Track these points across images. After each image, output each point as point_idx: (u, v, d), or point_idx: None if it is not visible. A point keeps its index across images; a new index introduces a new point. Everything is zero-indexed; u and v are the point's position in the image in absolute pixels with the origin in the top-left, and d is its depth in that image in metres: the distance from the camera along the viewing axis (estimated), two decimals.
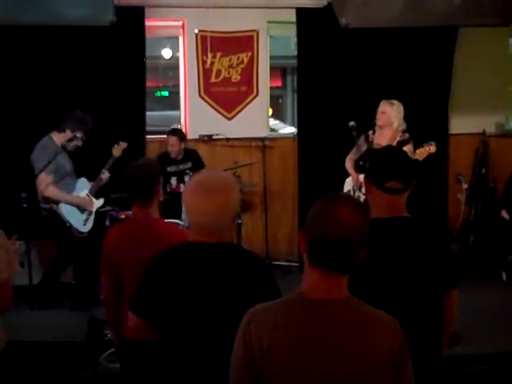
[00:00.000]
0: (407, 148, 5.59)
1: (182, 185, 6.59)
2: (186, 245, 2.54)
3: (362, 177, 5.74)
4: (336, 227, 1.88)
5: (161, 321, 2.50)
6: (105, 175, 5.74)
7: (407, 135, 5.86)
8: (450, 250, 2.68)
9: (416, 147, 5.69)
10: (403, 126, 5.89)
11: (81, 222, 5.63)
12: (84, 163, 5.90)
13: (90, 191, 5.73)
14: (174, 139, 6.53)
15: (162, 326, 2.51)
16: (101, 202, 5.81)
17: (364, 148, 5.86)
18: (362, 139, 5.90)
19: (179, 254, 2.53)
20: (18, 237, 2.94)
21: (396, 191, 2.57)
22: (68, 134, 5.54)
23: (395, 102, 5.90)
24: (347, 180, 6.15)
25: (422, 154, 5.55)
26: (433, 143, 5.58)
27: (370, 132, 5.95)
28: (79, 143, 5.60)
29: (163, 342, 2.53)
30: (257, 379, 1.91)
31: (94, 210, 5.74)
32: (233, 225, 2.55)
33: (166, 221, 3.72)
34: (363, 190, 5.75)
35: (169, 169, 6.48)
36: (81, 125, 5.56)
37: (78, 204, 5.61)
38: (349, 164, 6.10)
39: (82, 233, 5.64)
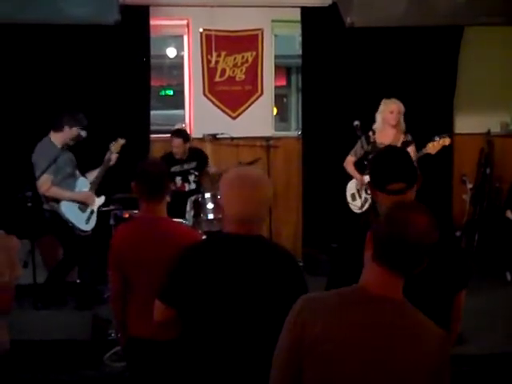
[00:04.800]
0: (410, 149, 5.59)
1: (186, 184, 6.58)
2: (217, 236, 2.58)
3: (366, 177, 5.74)
4: (410, 228, 1.93)
5: (188, 310, 2.49)
6: (113, 155, 5.77)
7: (410, 136, 5.86)
8: (461, 251, 2.67)
9: (420, 147, 5.68)
10: (404, 127, 5.90)
11: (83, 221, 5.63)
12: (88, 162, 5.91)
13: (92, 185, 5.74)
14: (178, 141, 6.50)
15: (189, 316, 2.51)
16: (102, 199, 5.82)
17: (366, 148, 5.85)
18: (362, 140, 5.89)
19: (212, 245, 2.57)
20: (16, 235, 2.94)
21: (398, 192, 2.56)
22: (67, 130, 5.55)
23: (396, 100, 5.90)
24: (350, 183, 6.13)
25: (435, 147, 5.53)
26: (446, 135, 5.57)
27: (370, 133, 5.94)
28: (83, 134, 5.63)
29: (186, 333, 2.53)
30: (300, 371, 1.93)
31: (95, 207, 5.76)
32: (263, 219, 2.59)
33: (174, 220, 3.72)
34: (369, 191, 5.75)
35: (173, 169, 6.44)
36: (76, 119, 5.59)
37: (81, 199, 5.62)
38: (350, 166, 6.09)
39: (85, 231, 5.64)
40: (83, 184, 5.76)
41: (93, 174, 5.83)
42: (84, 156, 5.88)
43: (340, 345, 1.90)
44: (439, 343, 1.96)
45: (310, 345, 1.92)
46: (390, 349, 1.90)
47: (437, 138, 5.58)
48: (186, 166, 6.59)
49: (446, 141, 5.57)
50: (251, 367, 2.38)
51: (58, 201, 5.51)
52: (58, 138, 5.56)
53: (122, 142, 5.90)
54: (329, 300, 2.00)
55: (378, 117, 5.93)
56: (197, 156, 6.66)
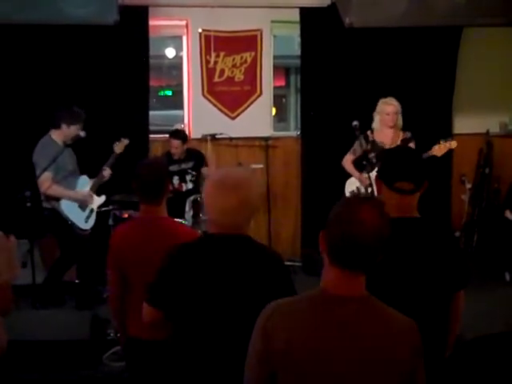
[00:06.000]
0: (411, 146, 5.60)
1: (183, 184, 6.59)
2: (204, 237, 2.56)
3: (365, 175, 5.73)
4: (359, 228, 1.90)
5: (176, 312, 2.50)
6: (106, 172, 5.77)
7: (409, 133, 5.86)
8: (460, 252, 2.66)
9: (420, 147, 5.68)
10: (401, 124, 5.91)
11: (82, 220, 5.65)
12: (87, 162, 5.91)
13: (91, 188, 5.75)
14: (177, 142, 6.51)
15: (176, 318, 2.52)
16: (102, 199, 5.83)
17: (365, 147, 5.84)
18: (360, 139, 5.87)
19: (196, 246, 2.56)
20: (15, 235, 2.92)
21: (406, 192, 2.56)
22: (64, 128, 5.54)
23: (392, 99, 5.90)
24: (350, 180, 6.14)
25: (441, 149, 5.56)
26: (451, 139, 5.61)
27: (369, 132, 5.95)
28: (82, 134, 5.59)
29: (175, 335, 2.53)
30: (273, 374, 1.93)
31: (95, 207, 5.77)
32: (251, 220, 2.57)
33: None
34: (369, 189, 5.75)
35: (171, 168, 6.45)
36: (74, 117, 5.57)
37: (80, 199, 5.63)
38: (349, 165, 6.08)
39: (84, 230, 5.65)
40: (84, 182, 5.77)
41: (90, 183, 5.81)
42: (83, 156, 5.88)
43: (309, 348, 1.89)
44: (409, 333, 1.95)
45: (280, 350, 1.91)
46: (360, 348, 1.89)
47: (442, 141, 5.59)
48: (183, 166, 6.60)
49: (453, 144, 5.60)
50: (240, 368, 2.38)
51: (58, 199, 5.52)
52: (57, 136, 5.56)
53: (125, 142, 5.91)
54: (295, 305, 1.98)
55: (376, 117, 5.94)
56: (194, 156, 6.67)
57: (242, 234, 2.51)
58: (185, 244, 2.60)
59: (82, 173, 5.82)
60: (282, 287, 2.39)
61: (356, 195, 2.07)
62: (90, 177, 5.85)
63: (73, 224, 5.57)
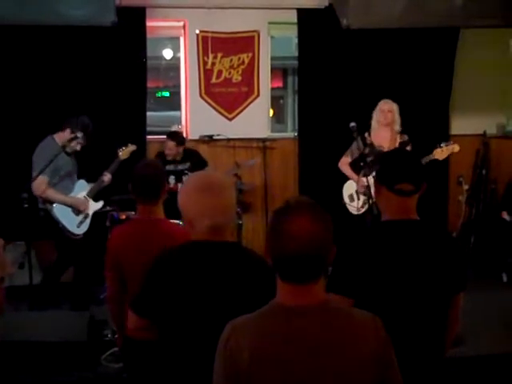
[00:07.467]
0: (408, 149, 5.60)
1: (179, 184, 6.56)
2: (190, 244, 2.53)
3: (364, 179, 5.73)
4: (290, 244, 1.85)
5: (161, 321, 2.49)
6: (107, 177, 5.70)
7: (406, 136, 5.87)
8: (460, 254, 2.66)
9: (417, 148, 5.69)
10: (399, 128, 5.91)
11: (74, 224, 5.55)
12: (84, 164, 5.89)
13: (89, 193, 5.69)
14: (171, 144, 6.48)
15: (162, 326, 2.50)
16: (99, 204, 5.75)
17: (363, 149, 5.84)
18: (358, 141, 5.86)
19: (182, 253, 2.52)
20: (12, 237, 2.92)
21: (406, 193, 2.56)
22: (67, 133, 5.47)
23: (388, 100, 5.93)
24: (347, 184, 6.12)
25: (443, 153, 5.56)
26: (453, 142, 5.62)
27: (366, 134, 5.95)
28: (78, 147, 5.50)
29: (163, 341, 2.52)
30: None
31: (90, 212, 5.69)
32: (233, 223, 2.56)
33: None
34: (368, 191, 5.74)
35: (167, 167, 6.41)
36: (82, 127, 5.49)
37: (72, 204, 5.55)
38: (345, 167, 6.08)
39: (76, 235, 5.58)
40: (82, 186, 5.72)
41: (87, 188, 5.76)
42: (80, 156, 5.86)
43: (273, 362, 1.85)
44: (374, 329, 1.92)
45: (244, 369, 1.86)
46: (326, 353, 1.86)
47: (444, 144, 5.59)
48: (180, 167, 6.56)
49: (456, 148, 5.59)
50: None
51: (51, 202, 5.47)
52: (60, 138, 5.50)
53: (132, 148, 5.82)
54: (252, 323, 1.94)
55: (374, 115, 5.96)
56: (191, 157, 6.62)
57: (228, 241, 2.50)
58: (170, 251, 2.56)
59: (79, 176, 5.76)
60: (269, 294, 2.38)
61: (287, 204, 1.94)
62: (88, 180, 5.78)
63: (64, 228, 5.49)
